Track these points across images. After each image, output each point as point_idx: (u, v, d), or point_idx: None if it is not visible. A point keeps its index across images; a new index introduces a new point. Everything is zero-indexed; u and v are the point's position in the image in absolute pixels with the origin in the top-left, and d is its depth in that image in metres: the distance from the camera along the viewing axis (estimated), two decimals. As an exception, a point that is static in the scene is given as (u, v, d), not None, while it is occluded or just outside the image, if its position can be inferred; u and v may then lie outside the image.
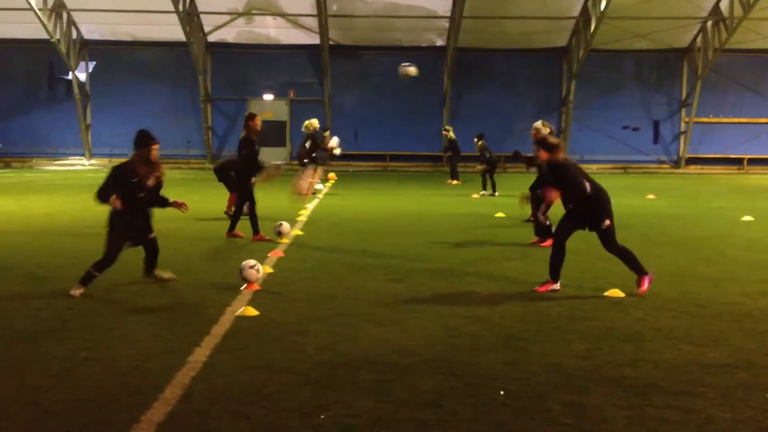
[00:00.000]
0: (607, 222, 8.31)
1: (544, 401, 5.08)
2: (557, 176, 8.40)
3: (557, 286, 8.43)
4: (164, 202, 8.63)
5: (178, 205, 8.60)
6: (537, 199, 11.89)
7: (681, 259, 10.71)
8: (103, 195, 8.26)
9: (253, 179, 12.38)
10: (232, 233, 12.24)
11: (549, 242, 11.18)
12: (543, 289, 8.41)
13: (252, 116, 12.38)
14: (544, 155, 8.59)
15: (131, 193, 8.27)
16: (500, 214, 15.51)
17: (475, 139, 22.20)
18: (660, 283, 8.83)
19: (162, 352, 6.05)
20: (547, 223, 9.76)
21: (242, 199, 12.31)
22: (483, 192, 20.46)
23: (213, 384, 5.32)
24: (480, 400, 5.09)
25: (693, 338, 6.61)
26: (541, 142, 8.78)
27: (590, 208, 8.35)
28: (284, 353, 6.05)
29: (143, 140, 8.47)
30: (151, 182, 8.44)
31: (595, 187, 8.38)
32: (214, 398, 5.05)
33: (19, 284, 8.67)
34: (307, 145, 21.27)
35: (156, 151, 8.52)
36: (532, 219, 13.63)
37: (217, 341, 6.33)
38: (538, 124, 12.29)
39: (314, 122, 21.58)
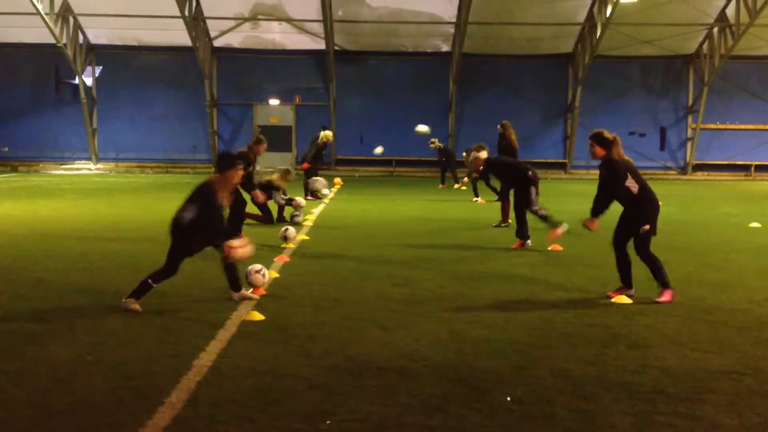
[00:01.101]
0: (646, 227, 8.29)
1: (550, 406, 5.07)
2: (609, 172, 8.38)
3: (631, 291, 8.39)
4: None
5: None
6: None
7: (688, 265, 10.68)
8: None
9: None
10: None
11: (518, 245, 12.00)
12: (614, 294, 8.36)
13: (260, 141, 13.00)
14: (600, 152, 8.62)
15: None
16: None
17: (465, 153, 22.22)
18: (674, 299, 8.81)
19: (168, 356, 6.05)
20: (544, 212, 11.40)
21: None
22: (476, 199, 20.43)
23: (219, 388, 5.32)
24: (486, 405, 5.07)
25: (700, 344, 6.58)
26: (596, 137, 8.79)
27: (634, 210, 8.30)
28: (290, 358, 6.04)
29: (229, 161, 8.00)
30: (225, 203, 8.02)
31: (645, 189, 8.37)
32: (219, 403, 5.05)
33: (26, 287, 8.68)
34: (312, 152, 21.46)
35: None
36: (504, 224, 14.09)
37: (223, 346, 6.33)
38: (474, 153, 13.12)
39: (329, 134, 21.74)
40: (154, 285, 7.63)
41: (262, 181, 14.91)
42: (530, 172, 12.52)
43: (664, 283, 8.26)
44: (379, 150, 25.06)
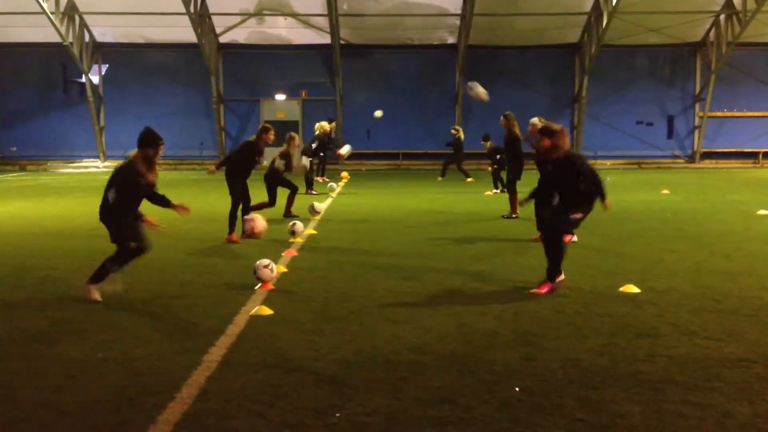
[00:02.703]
0: (579, 215, 8.29)
1: (559, 397, 5.07)
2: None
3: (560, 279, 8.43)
4: (167, 203, 8.46)
5: (181, 209, 8.53)
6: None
7: (697, 253, 10.65)
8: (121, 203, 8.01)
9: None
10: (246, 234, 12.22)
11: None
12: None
13: (266, 129, 12.78)
14: (546, 143, 8.52)
15: (143, 193, 8.18)
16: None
17: (483, 141, 22.27)
18: (676, 278, 8.81)
19: (177, 352, 6.07)
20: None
21: (237, 198, 12.34)
22: (495, 191, 20.41)
23: (228, 383, 5.34)
24: (495, 397, 5.08)
25: (709, 333, 6.57)
26: (544, 130, 8.70)
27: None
28: (299, 352, 6.06)
29: (153, 139, 8.18)
30: (151, 181, 8.25)
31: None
32: (229, 397, 5.07)
33: (35, 286, 8.72)
34: (314, 145, 21.51)
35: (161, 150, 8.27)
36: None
37: (232, 341, 6.35)
38: (534, 119, 12.75)
39: (325, 125, 21.79)
40: (111, 270, 7.98)
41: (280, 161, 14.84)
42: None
43: (550, 277, 8.22)
44: (378, 114, 25.07)
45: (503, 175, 20.56)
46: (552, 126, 8.72)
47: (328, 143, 23.16)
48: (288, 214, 14.92)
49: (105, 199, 8.05)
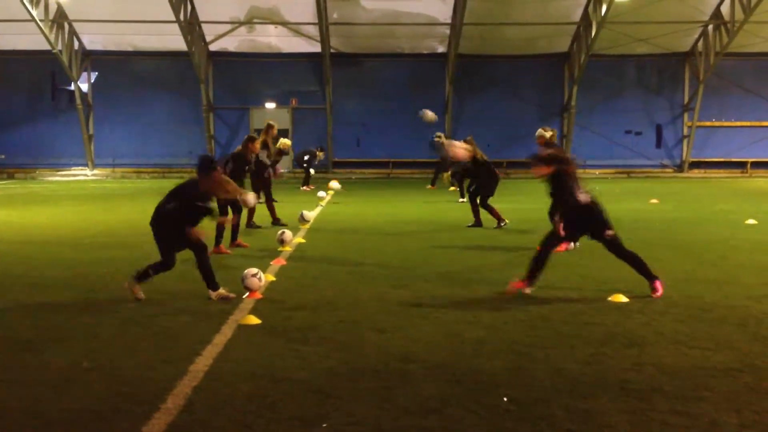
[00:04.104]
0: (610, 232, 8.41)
1: (547, 407, 5.06)
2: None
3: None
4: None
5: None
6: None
7: (685, 262, 10.67)
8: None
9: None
10: (234, 243, 12.17)
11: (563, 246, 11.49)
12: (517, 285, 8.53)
13: (252, 139, 12.82)
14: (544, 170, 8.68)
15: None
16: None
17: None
18: (664, 288, 8.81)
19: (163, 361, 6.03)
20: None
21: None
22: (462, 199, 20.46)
23: (214, 393, 5.30)
24: (483, 407, 5.06)
25: (697, 342, 6.57)
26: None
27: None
28: (286, 361, 6.03)
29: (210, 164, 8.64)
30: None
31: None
32: (215, 408, 5.03)
33: (22, 294, 8.66)
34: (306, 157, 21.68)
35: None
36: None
37: (219, 350, 6.31)
38: (540, 130, 12.91)
39: (287, 142, 21.74)
40: (153, 275, 8.25)
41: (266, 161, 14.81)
42: None
43: (531, 276, 8.53)
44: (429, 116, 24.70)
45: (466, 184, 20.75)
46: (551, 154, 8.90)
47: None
48: (250, 225, 14.43)
49: None
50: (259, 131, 34.33)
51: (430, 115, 18.25)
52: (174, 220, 8.24)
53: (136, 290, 8.19)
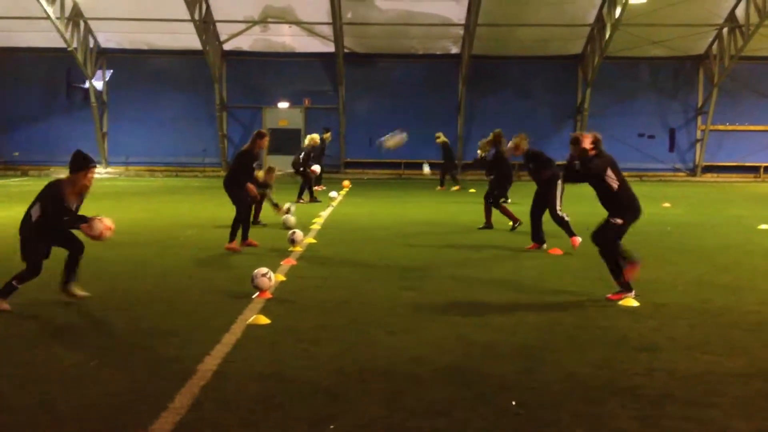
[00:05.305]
0: (618, 221, 8.30)
1: (556, 411, 5.03)
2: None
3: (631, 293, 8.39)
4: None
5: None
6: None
7: (697, 267, 10.61)
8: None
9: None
10: (246, 242, 12.20)
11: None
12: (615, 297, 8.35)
13: (261, 135, 12.61)
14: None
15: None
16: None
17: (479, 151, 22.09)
18: (676, 292, 8.77)
19: (172, 360, 6.03)
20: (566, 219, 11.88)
21: (243, 207, 12.18)
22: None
23: (223, 393, 5.30)
24: (492, 410, 5.04)
25: (709, 347, 6.53)
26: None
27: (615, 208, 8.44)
28: (295, 362, 6.02)
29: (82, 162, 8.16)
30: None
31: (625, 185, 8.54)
32: (223, 407, 5.03)
33: (33, 291, 8.66)
34: (302, 156, 21.64)
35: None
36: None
37: (228, 350, 6.31)
38: (515, 140, 13.12)
39: (315, 137, 21.84)
40: (19, 286, 7.78)
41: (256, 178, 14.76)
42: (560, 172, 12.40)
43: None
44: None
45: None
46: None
47: (320, 155, 23.27)
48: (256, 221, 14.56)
49: None
50: (272, 130, 34.47)
51: (391, 141, 19.13)
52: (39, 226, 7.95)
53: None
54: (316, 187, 23.90)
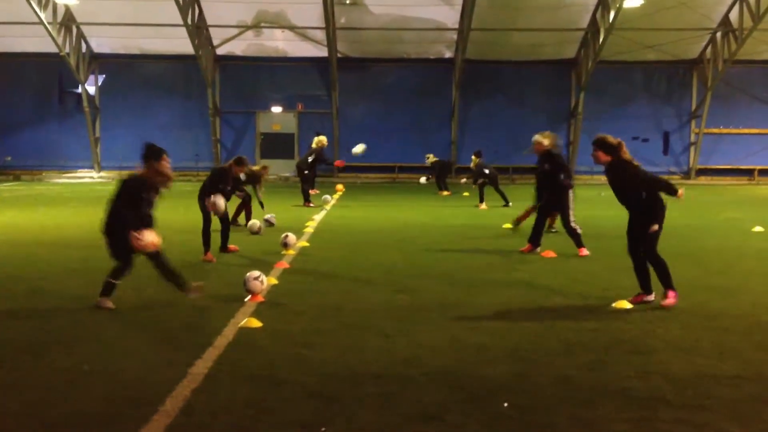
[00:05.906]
0: (655, 227, 8.29)
1: (549, 414, 5.00)
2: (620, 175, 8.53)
3: (651, 297, 8.33)
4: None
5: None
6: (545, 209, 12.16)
7: (691, 270, 10.60)
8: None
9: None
10: (227, 249, 12.01)
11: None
12: (637, 300, 8.30)
13: (240, 161, 12.25)
14: (603, 157, 8.64)
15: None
16: (507, 225, 15.39)
17: (473, 157, 22.02)
18: (677, 300, 8.75)
19: (164, 364, 5.99)
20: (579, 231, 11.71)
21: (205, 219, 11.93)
22: (482, 205, 20.35)
23: (214, 397, 5.26)
24: (485, 413, 5.01)
25: (702, 350, 6.51)
26: (600, 143, 8.83)
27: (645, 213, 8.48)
28: (287, 365, 5.98)
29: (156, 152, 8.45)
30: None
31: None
32: (214, 411, 4.99)
33: (25, 297, 8.64)
34: (310, 158, 21.54)
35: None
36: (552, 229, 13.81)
37: (220, 353, 6.28)
38: (537, 137, 12.52)
39: (323, 139, 21.88)
40: (117, 282, 8.01)
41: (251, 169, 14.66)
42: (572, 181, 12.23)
43: (668, 286, 8.21)
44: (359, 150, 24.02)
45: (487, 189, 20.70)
46: (608, 139, 8.84)
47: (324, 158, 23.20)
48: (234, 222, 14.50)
49: None
50: (265, 134, 34.34)
51: (357, 149, 19.82)
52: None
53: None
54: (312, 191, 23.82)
